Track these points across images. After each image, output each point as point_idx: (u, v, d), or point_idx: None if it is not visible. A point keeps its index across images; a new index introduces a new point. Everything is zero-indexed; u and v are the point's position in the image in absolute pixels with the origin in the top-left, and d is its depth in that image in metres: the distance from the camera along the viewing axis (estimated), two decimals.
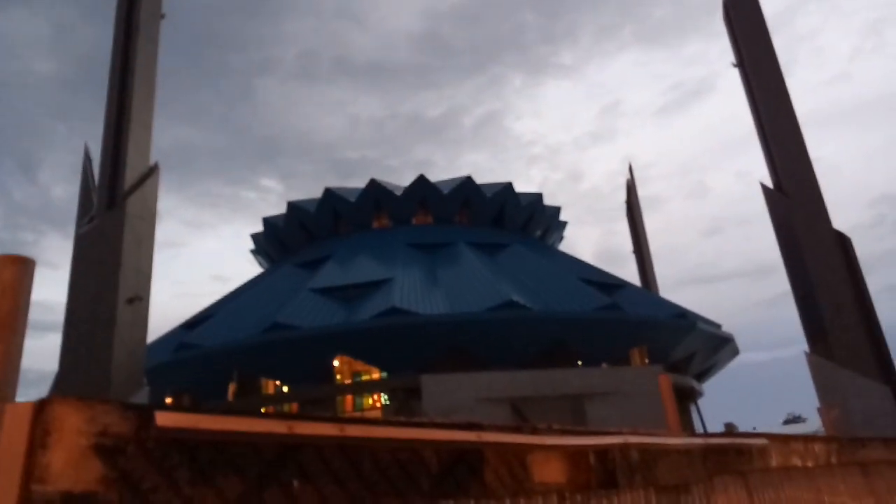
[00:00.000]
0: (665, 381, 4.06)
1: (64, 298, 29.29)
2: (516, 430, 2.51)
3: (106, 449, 1.43)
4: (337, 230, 53.60)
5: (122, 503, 1.43)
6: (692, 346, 42.28)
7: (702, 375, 47.70)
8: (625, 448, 3.10)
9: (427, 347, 34.98)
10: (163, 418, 1.54)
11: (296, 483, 1.79)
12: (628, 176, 63.94)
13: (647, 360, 40.31)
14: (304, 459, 1.84)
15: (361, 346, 35.63)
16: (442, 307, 37.35)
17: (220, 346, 36.98)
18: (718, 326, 45.84)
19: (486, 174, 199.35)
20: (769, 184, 37.53)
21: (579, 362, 37.14)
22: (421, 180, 53.26)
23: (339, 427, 1.97)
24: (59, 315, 29.21)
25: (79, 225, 32.22)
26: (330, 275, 42.79)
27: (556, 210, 61.23)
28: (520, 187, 57.26)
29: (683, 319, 42.35)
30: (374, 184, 53.47)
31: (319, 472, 1.85)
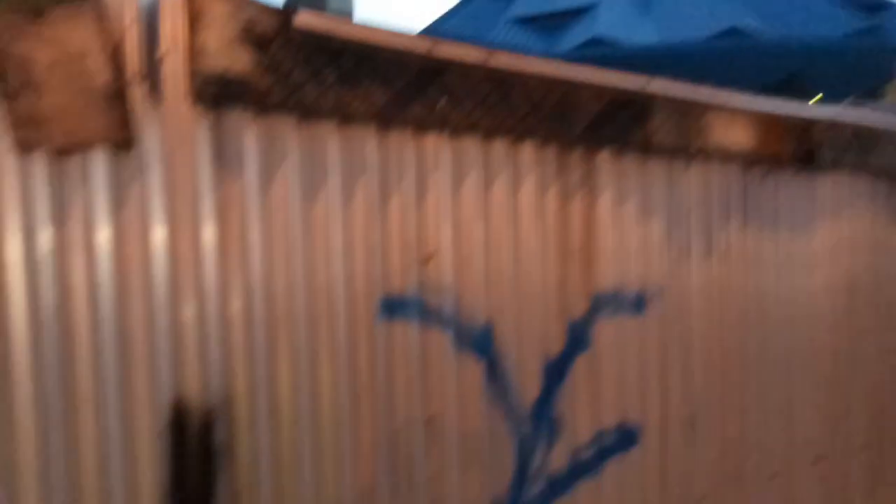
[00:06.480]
0: None
1: None
2: (692, 86, 2.25)
3: (253, 39, 1.51)
4: None
5: (273, 91, 1.54)
6: None
7: None
8: (835, 125, 2.68)
9: None
10: (302, 18, 1.57)
11: (443, 100, 1.80)
12: None
13: None
14: (449, 82, 1.82)
15: None
16: (652, 36, 33.81)
17: None
18: None
19: None
20: None
21: (819, 96, 32.46)
22: None
23: (486, 53, 1.89)
24: None
25: None
26: (529, 2, 40.31)
27: None
28: None
29: None
30: None
31: (466, 95, 1.84)
